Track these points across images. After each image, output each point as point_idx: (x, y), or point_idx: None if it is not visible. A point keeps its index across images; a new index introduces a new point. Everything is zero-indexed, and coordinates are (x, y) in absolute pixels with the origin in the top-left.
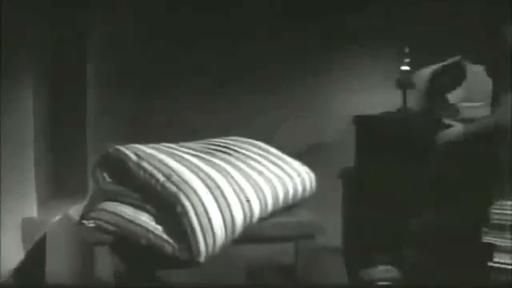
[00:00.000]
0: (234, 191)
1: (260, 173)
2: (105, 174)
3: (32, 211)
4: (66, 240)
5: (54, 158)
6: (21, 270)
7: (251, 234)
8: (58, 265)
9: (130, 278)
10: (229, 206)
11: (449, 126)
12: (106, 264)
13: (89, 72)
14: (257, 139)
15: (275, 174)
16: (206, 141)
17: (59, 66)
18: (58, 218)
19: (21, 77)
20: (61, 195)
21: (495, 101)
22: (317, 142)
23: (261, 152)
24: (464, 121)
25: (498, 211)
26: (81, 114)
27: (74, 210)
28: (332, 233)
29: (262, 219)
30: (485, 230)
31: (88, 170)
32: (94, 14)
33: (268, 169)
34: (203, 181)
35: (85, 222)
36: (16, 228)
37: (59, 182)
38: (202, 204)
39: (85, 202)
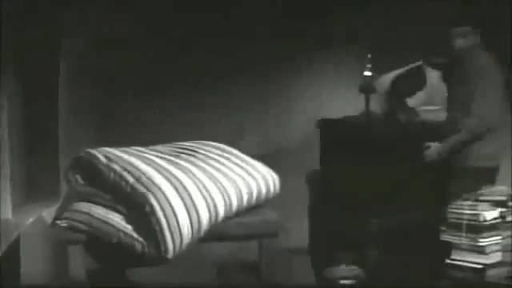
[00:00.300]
0: (200, 192)
1: (225, 174)
2: (77, 176)
3: (7, 213)
4: (40, 241)
5: (27, 164)
6: None
7: (217, 233)
8: (32, 264)
9: (103, 276)
10: (195, 205)
11: (427, 147)
12: (78, 263)
13: (61, 77)
14: (222, 142)
15: (239, 176)
16: (173, 144)
17: (32, 70)
18: (31, 220)
19: None
20: (34, 198)
21: (451, 106)
22: (282, 145)
23: (225, 154)
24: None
25: (455, 210)
26: (52, 119)
27: (47, 213)
28: (298, 232)
29: (227, 218)
30: (443, 228)
31: (60, 174)
32: (69, 16)
33: (232, 170)
34: (170, 182)
35: (58, 222)
36: None
37: (33, 186)
38: (170, 204)
39: (57, 205)
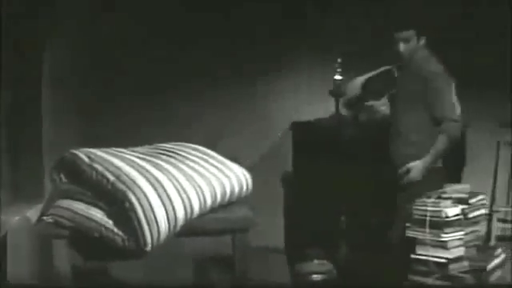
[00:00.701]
0: (176, 190)
1: (201, 174)
2: (61, 175)
3: None
4: (25, 238)
5: (11, 166)
6: None
7: (193, 228)
8: (18, 260)
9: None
10: (171, 202)
11: (408, 170)
12: (63, 257)
13: (44, 78)
14: (199, 144)
15: (214, 175)
16: (153, 146)
17: (15, 70)
18: (17, 218)
19: None
20: (19, 199)
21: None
22: (259, 146)
23: (201, 155)
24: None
25: (419, 208)
26: (36, 121)
27: (31, 212)
28: (272, 230)
29: (202, 215)
30: (408, 225)
31: (44, 176)
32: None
33: (208, 171)
34: (149, 180)
35: (44, 218)
36: None
37: (17, 188)
38: (148, 201)
39: (41, 205)
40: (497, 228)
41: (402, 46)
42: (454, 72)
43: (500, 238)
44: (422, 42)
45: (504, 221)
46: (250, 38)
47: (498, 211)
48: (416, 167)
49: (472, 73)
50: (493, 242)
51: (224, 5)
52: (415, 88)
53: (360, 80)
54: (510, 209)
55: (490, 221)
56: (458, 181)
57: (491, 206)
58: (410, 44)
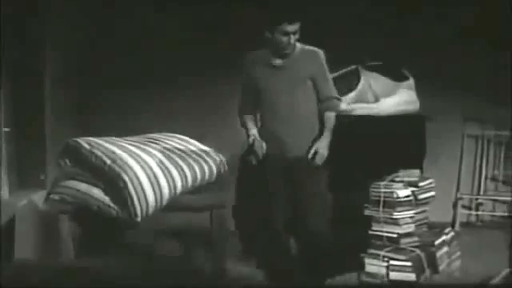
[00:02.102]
0: (162, 171)
1: (183, 158)
2: (66, 160)
3: (6, 195)
4: (31, 218)
5: (17, 155)
6: None
7: (177, 204)
8: (24, 237)
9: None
10: (158, 181)
11: (315, 154)
12: (66, 230)
13: (46, 74)
14: (185, 135)
15: (195, 160)
16: (142, 135)
17: (19, 67)
18: (23, 202)
19: None
20: (25, 185)
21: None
22: (233, 136)
23: (185, 144)
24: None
25: (374, 190)
26: (40, 114)
27: (36, 196)
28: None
29: (184, 193)
30: (366, 205)
31: (46, 166)
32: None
33: (189, 156)
34: (139, 163)
35: (51, 195)
36: None
37: (22, 175)
38: (138, 180)
39: (45, 190)
40: (461, 214)
41: (293, 38)
42: (422, 71)
43: (464, 224)
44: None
45: (468, 208)
46: (233, 35)
47: (462, 198)
48: (322, 146)
49: (440, 73)
50: (457, 228)
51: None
52: (296, 75)
53: None
54: (473, 196)
55: (455, 207)
56: (419, 168)
57: (456, 193)
58: (296, 36)
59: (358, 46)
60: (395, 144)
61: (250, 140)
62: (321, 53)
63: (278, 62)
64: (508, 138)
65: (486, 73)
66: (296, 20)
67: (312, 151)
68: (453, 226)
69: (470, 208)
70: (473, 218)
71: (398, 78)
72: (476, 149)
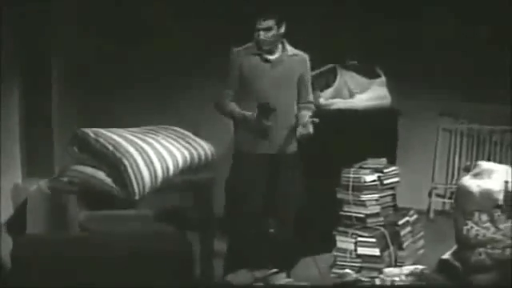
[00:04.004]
0: (157, 157)
1: (175, 146)
2: (74, 147)
3: (19, 180)
4: (40, 201)
5: (26, 144)
6: (10, 222)
7: (170, 185)
8: (35, 218)
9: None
10: (153, 165)
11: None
12: (73, 209)
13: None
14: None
15: (185, 147)
16: (142, 127)
17: (27, 65)
18: (34, 187)
19: (7, 77)
20: (34, 173)
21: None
22: (221, 127)
23: (177, 134)
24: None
25: (345, 175)
26: (47, 108)
27: (45, 183)
28: None
29: (175, 175)
30: (337, 189)
31: (53, 155)
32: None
33: (181, 144)
34: (137, 150)
35: (61, 178)
36: (7, 191)
37: (32, 163)
38: (136, 164)
39: (52, 177)
40: (436, 202)
41: (262, 34)
42: (401, 71)
43: (439, 212)
44: (282, 30)
45: (442, 196)
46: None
47: (436, 188)
48: (307, 120)
49: (418, 72)
50: (432, 215)
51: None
52: (287, 73)
53: None
54: (447, 186)
55: (430, 196)
56: (393, 159)
57: (431, 183)
58: (270, 32)
59: (336, 46)
60: (369, 135)
61: (251, 115)
62: (307, 57)
63: (270, 57)
64: (479, 130)
65: (460, 72)
66: (266, 17)
67: (305, 120)
68: (428, 213)
69: (443, 196)
70: (447, 206)
71: (372, 75)
72: (450, 141)
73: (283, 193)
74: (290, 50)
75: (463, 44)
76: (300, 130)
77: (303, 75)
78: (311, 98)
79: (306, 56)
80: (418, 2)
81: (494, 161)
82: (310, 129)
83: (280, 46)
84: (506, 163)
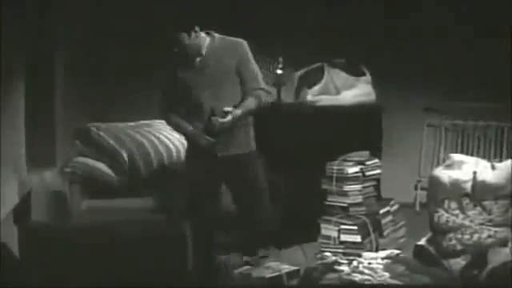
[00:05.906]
0: (152, 149)
1: (169, 139)
2: (77, 141)
3: (24, 172)
4: (43, 192)
5: (30, 138)
6: (16, 210)
7: (165, 174)
8: (39, 207)
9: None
10: (148, 156)
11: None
12: (76, 198)
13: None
14: None
15: (178, 140)
16: (138, 122)
17: (27, 65)
18: (37, 178)
19: (7, 77)
20: (37, 165)
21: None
22: None
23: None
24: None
25: (329, 167)
26: (49, 105)
27: (47, 174)
28: None
29: (169, 166)
30: (322, 180)
31: (55, 148)
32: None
33: (175, 137)
34: (135, 143)
35: (65, 169)
36: (15, 182)
37: (35, 156)
38: (133, 156)
39: (55, 169)
40: (421, 195)
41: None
42: (388, 70)
43: (424, 205)
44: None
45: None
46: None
47: (421, 181)
48: (227, 110)
49: (404, 70)
50: (417, 208)
51: None
52: (220, 68)
53: (297, 74)
54: None
55: (416, 189)
56: (378, 153)
57: (418, 176)
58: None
59: (323, 45)
60: (355, 130)
61: (196, 131)
62: (243, 43)
63: (196, 60)
64: (463, 126)
65: (446, 69)
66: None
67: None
68: (414, 205)
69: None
70: None
71: (357, 73)
72: (435, 136)
73: (240, 193)
74: (219, 40)
75: (449, 42)
76: (213, 120)
77: (241, 61)
78: (259, 83)
79: (237, 41)
80: (404, 1)
81: (478, 155)
82: (226, 119)
83: (208, 39)
84: (488, 157)
